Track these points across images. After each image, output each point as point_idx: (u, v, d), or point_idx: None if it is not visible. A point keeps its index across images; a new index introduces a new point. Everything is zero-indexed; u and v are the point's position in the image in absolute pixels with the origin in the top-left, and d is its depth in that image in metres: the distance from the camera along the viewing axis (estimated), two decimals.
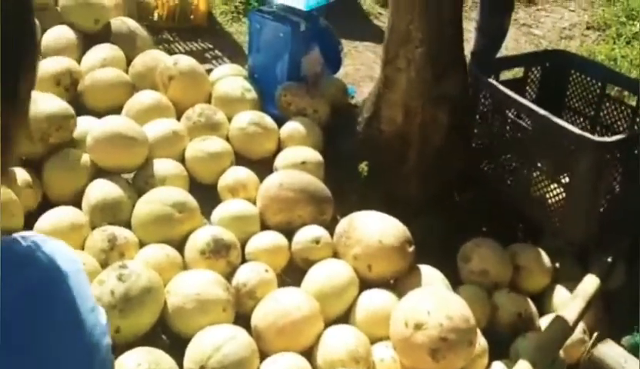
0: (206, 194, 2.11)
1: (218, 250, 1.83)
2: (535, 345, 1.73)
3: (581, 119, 2.40)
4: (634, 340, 1.15)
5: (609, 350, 1.18)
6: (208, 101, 2.43)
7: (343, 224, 1.97)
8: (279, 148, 2.32)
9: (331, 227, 2.04)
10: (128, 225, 1.91)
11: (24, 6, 0.46)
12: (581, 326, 1.94)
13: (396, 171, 2.20)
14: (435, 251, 2.08)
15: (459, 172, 2.20)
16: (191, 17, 3.11)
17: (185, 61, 2.37)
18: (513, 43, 3.61)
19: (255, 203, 2.08)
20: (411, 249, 1.88)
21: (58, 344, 0.48)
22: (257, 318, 1.71)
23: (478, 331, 1.73)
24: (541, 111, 1.96)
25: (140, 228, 1.89)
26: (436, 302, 1.63)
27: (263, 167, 2.25)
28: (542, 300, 2.09)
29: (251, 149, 2.28)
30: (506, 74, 2.47)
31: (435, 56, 1.97)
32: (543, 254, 2.16)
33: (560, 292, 2.07)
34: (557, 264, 2.20)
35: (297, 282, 1.88)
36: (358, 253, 1.88)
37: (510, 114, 2.10)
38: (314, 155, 2.21)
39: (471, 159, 2.22)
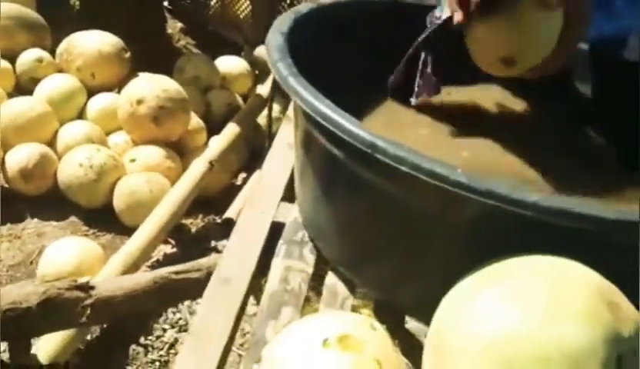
0: None
1: None
2: (239, 113, 2.21)
3: None
4: None
5: None
6: None
7: (63, 44, 2.17)
8: None
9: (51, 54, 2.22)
10: None
11: None
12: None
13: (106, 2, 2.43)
14: (154, 66, 2.39)
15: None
16: None
17: None
18: None
19: None
20: (127, 55, 2.17)
21: None
22: None
23: (195, 115, 2.14)
24: None
25: None
26: (152, 82, 1.98)
27: None
28: (247, 99, 2.58)
29: None
30: None
31: None
32: (245, 63, 2.63)
33: (258, 90, 2.57)
34: (257, 71, 2.70)
35: None
36: (80, 65, 2.11)
37: None
38: None
39: None
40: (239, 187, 2.10)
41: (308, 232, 0.83)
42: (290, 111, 1.16)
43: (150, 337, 1.47)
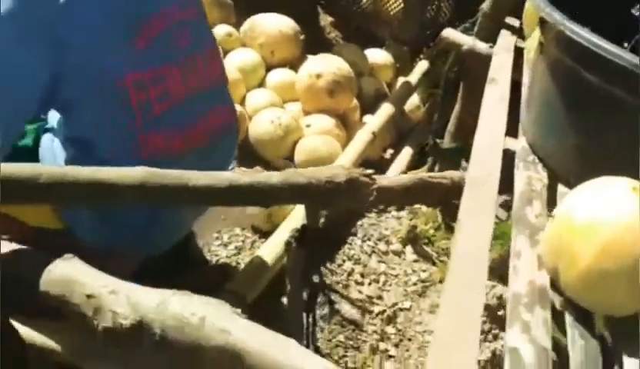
0: None
1: None
2: (390, 97, 2.49)
3: None
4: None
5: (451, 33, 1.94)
6: None
7: (247, 22, 2.52)
8: None
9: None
10: None
11: None
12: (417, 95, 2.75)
13: None
14: (311, 52, 2.72)
15: None
16: None
17: None
18: None
19: None
20: (302, 37, 2.50)
21: None
22: None
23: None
24: None
25: None
26: (329, 61, 2.30)
27: None
28: (391, 89, 2.87)
29: None
30: None
31: None
32: (389, 55, 2.92)
33: (401, 81, 2.85)
34: (397, 64, 2.98)
35: None
36: (262, 42, 2.46)
37: None
38: None
39: None
40: (389, 161, 2.38)
41: (539, 153, 1.10)
42: (493, 75, 1.44)
43: (333, 264, 1.76)
